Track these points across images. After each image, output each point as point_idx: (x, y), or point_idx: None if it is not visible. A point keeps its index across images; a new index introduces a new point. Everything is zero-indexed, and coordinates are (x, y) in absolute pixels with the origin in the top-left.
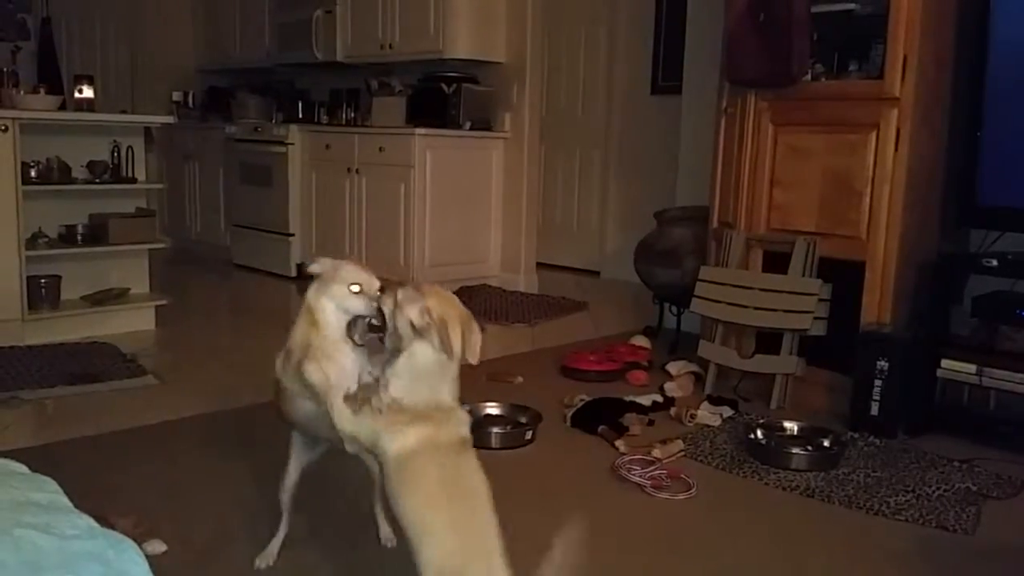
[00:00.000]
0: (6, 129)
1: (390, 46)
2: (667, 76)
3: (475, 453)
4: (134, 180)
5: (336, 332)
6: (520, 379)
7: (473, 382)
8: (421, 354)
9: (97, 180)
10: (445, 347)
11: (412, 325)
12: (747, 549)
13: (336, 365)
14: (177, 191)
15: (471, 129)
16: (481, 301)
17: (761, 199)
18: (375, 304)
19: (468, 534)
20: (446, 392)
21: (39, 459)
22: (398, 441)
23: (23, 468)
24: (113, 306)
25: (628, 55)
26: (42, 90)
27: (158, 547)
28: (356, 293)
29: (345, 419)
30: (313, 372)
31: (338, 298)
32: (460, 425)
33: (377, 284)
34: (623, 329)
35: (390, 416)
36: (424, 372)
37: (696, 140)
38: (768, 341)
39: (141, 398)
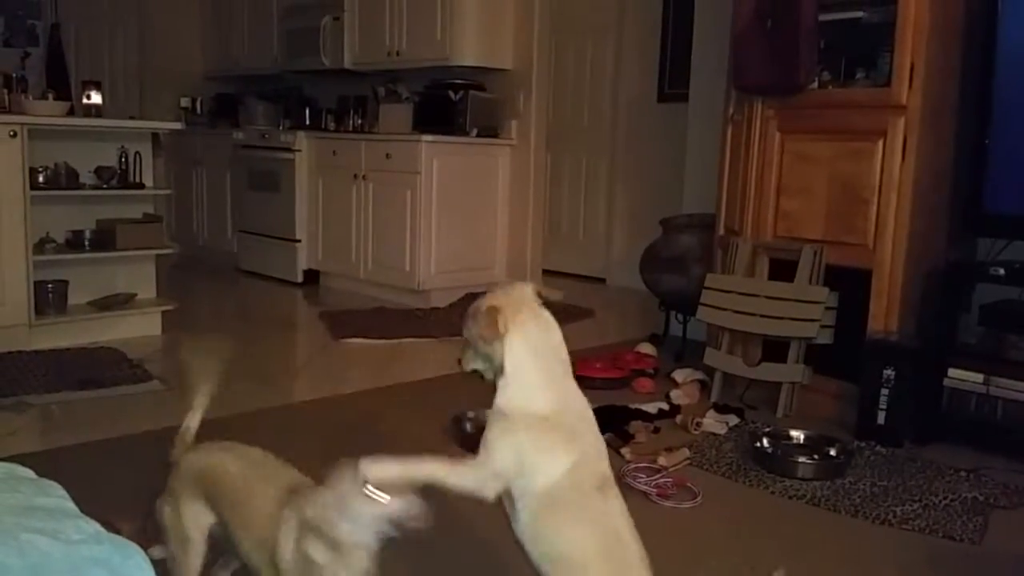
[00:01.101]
0: (15, 134)
1: (397, 53)
2: (673, 84)
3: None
4: (141, 186)
5: None
6: None
7: (478, 389)
8: (519, 348)
9: (105, 186)
10: (485, 333)
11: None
12: (752, 558)
13: None
14: (184, 197)
15: (477, 136)
16: None
17: (768, 207)
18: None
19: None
20: (572, 388)
21: (45, 464)
22: (551, 465)
23: (29, 473)
24: (120, 311)
25: (635, 62)
26: (50, 96)
27: (162, 552)
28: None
29: (469, 472)
30: None
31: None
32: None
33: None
34: (629, 336)
35: (529, 431)
36: (534, 364)
37: (702, 148)
38: (774, 349)
39: (147, 403)
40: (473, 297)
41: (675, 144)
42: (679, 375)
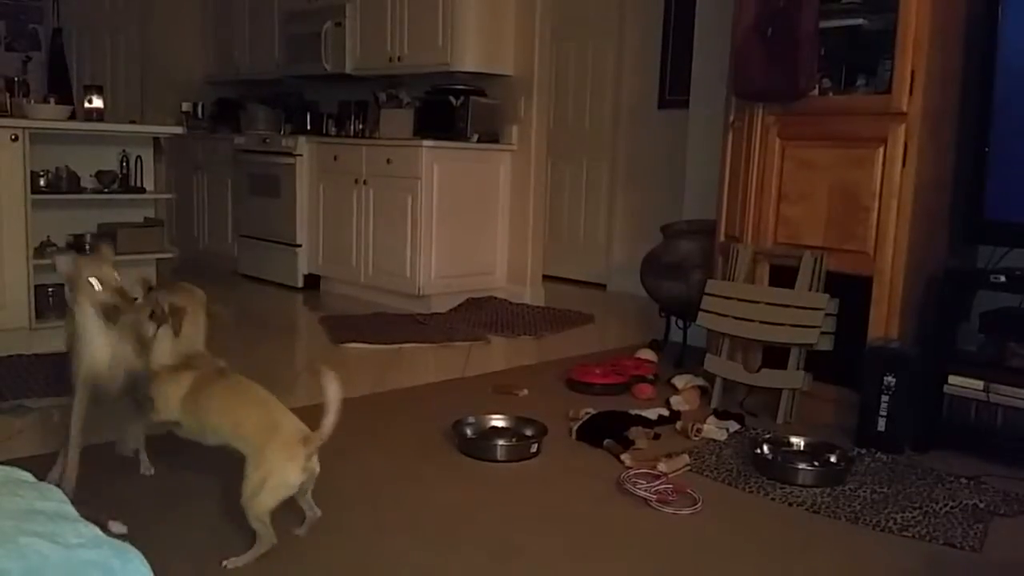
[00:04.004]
0: (16, 138)
1: (399, 59)
2: (674, 90)
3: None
4: (143, 190)
5: None
6: (525, 392)
7: (479, 394)
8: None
9: (106, 190)
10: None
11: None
12: (752, 565)
13: None
14: (185, 201)
15: (478, 141)
16: (487, 313)
17: (768, 213)
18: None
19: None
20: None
21: (45, 468)
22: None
23: (29, 476)
24: None
25: (636, 69)
26: (52, 100)
27: (120, 528)
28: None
29: None
30: None
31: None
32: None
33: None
34: (629, 342)
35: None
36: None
37: (703, 154)
38: (775, 355)
39: None
40: (474, 302)
41: (676, 150)
42: (679, 381)
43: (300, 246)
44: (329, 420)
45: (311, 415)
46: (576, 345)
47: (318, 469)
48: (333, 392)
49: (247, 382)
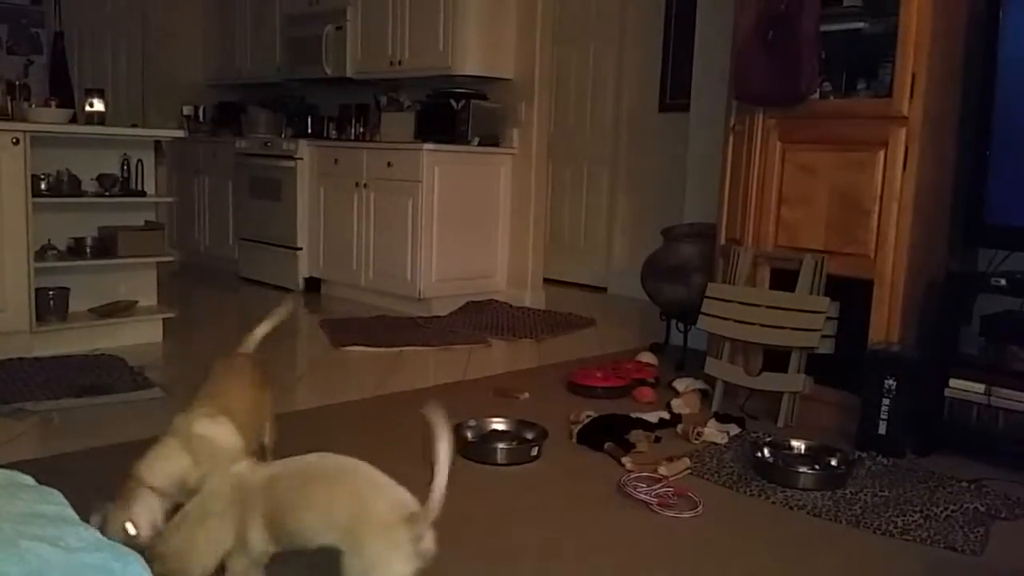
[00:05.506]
0: (17, 142)
1: (399, 62)
2: (675, 94)
3: None
4: (143, 193)
5: None
6: (526, 395)
7: (479, 397)
8: None
9: (107, 193)
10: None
11: None
12: (753, 569)
13: None
14: (186, 205)
15: (479, 145)
16: (488, 316)
17: (769, 216)
18: None
19: None
20: None
21: (46, 471)
22: None
23: (30, 480)
24: (121, 318)
25: (636, 72)
26: (53, 103)
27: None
28: None
29: None
30: None
31: None
32: None
33: None
34: (630, 346)
35: None
36: None
37: (704, 157)
38: (775, 359)
39: (147, 411)
40: (475, 305)
41: (676, 154)
42: (680, 384)
43: (301, 249)
44: (438, 486)
45: (311, 416)
46: (577, 348)
47: (433, 548)
48: (444, 448)
49: None
